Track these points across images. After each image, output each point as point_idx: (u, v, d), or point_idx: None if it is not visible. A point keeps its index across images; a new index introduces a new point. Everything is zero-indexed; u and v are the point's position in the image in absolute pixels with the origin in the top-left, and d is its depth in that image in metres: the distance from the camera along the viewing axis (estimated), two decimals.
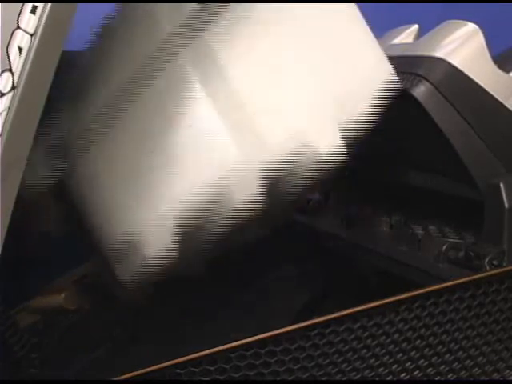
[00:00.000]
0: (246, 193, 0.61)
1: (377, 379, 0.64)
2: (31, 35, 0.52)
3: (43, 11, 0.52)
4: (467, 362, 0.67)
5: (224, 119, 0.61)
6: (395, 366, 0.64)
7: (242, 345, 0.59)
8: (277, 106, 0.63)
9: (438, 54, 0.75)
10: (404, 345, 0.64)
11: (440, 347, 0.66)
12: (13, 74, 0.52)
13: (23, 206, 0.57)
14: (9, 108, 0.51)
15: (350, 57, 0.65)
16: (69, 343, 0.81)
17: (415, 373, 0.65)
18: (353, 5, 0.66)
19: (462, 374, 0.67)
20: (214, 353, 0.58)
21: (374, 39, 0.67)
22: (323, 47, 0.64)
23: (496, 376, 0.69)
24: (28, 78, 0.52)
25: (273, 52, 0.63)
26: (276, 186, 0.62)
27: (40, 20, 0.52)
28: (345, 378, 0.62)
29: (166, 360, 0.58)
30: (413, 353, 0.65)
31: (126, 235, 0.64)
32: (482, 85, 0.73)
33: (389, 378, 0.64)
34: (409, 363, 0.65)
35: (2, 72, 0.51)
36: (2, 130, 0.51)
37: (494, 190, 0.71)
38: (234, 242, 0.64)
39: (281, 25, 0.64)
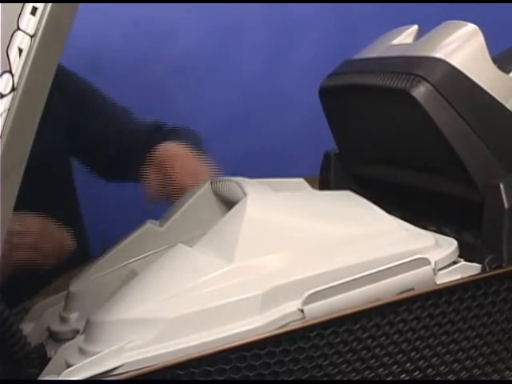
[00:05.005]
0: None
1: (377, 379, 0.64)
2: (31, 36, 0.52)
3: (43, 12, 0.52)
4: (467, 362, 0.67)
5: None
6: (395, 366, 0.64)
7: (241, 345, 0.59)
8: None
9: (438, 54, 0.75)
10: (404, 346, 0.64)
11: (440, 348, 0.66)
12: (13, 75, 0.52)
13: None
14: (9, 109, 0.52)
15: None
16: None
17: (415, 373, 0.65)
18: None
19: (461, 374, 0.67)
20: (213, 353, 0.58)
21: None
22: None
23: (496, 377, 0.69)
24: (28, 79, 0.52)
25: None
26: None
27: (40, 21, 0.52)
28: (345, 379, 0.63)
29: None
30: (413, 354, 0.65)
31: None
32: (482, 85, 0.73)
33: (389, 379, 0.64)
34: (408, 364, 0.65)
35: (2, 73, 0.51)
36: (2, 132, 0.51)
37: (494, 191, 0.71)
38: None
39: None
